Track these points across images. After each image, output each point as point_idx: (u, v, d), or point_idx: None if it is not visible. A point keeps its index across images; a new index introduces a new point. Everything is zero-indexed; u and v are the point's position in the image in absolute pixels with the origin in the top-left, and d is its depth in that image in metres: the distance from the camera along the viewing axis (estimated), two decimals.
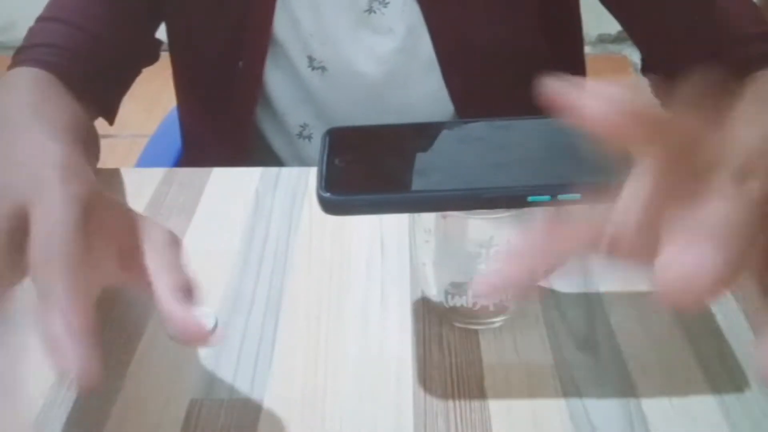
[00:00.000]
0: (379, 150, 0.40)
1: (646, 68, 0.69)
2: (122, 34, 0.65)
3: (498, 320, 0.45)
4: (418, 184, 0.37)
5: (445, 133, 0.41)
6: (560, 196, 0.36)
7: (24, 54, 0.59)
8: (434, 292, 0.44)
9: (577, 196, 0.36)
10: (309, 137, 0.72)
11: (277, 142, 0.74)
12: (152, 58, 0.71)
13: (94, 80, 0.61)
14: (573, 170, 0.38)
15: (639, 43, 0.68)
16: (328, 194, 0.36)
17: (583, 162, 0.38)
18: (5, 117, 0.48)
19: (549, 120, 0.42)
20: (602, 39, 2.12)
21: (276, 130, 0.74)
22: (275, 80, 0.70)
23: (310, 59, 0.68)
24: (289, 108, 0.71)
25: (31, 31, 0.62)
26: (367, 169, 0.39)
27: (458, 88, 0.69)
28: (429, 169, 0.38)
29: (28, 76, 0.57)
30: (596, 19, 0.77)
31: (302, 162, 0.74)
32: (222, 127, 0.74)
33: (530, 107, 0.69)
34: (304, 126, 0.72)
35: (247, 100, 0.71)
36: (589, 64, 0.83)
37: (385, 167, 0.39)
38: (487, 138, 0.40)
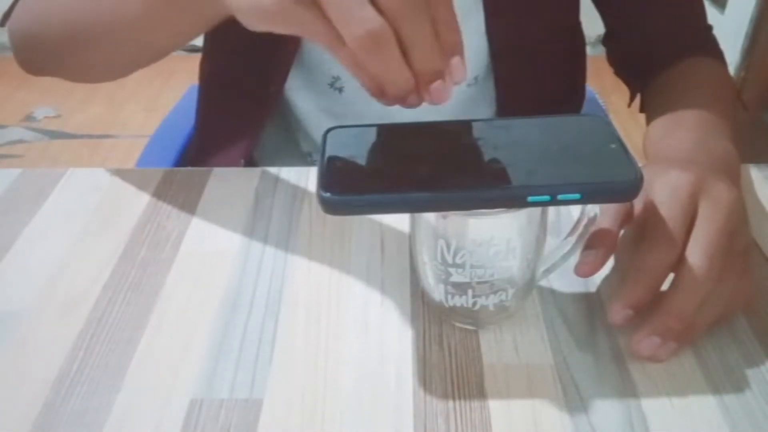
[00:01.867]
0: (380, 150, 0.40)
1: (606, 40, 0.77)
2: None
3: (498, 320, 0.45)
4: (418, 184, 0.37)
5: (445, 133, 0.41)
6: (560, 196, 0.36)
7: None
8: (434, 292, 0.44)
9: (577, 195, 0.37)
10: (340, 89, 0.72)
11: (306, 98, 0.74)
12: None
13: None
14: (573, 170, 0.38)
15: (604, 16, 0.76)
16: (328, 194, 0.36)
17: (582, 162, 0.38)
18: None
19: (549, 120, 0.42)
20: (601, 40, 2.12)
21: (306, 83, 0.74)
22: None
23: None
24: (325, 59, 0.72)
25: None
26: (368, 169, 0.39)
27: (497, 34, 0.70)
28: (429, 169, 0.38)
29: None
30: (596, 19, 0.77)
31: (329, 113, 0.74)
32: (256, 78, 0.74)
33: (552, 71, 0.75)
34: (336, 78, 0.72)
35: (289, 49, 0.70)
36: (589, 65, 0.83)
37: (386, 167, 0.39)
38: (487, 138, 0.40)
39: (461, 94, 0.73)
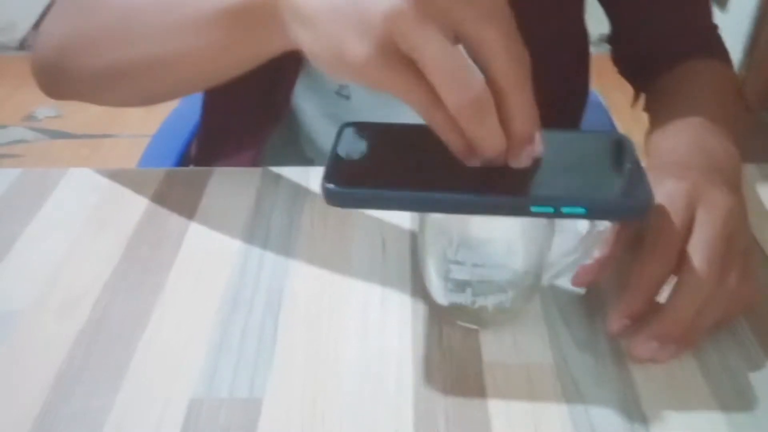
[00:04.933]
0: (390, 148, 0.41)
1: (611, 40, 0.77)
2: None
3: (498, 321, 0.45)
4: (421, 183, 0.37)
5: None
6: (564, 209, 0.36)
7: None
8: (435, 288, 0.44)
9: (582, 210, 0.36)
10: (347, 96, 0.72)
11: (311, 104, 0.74)
12: None
13: None
14: (582, 184, 0.37)
15: (610, 16, 0.76)
16: (331, 185, 0.37)
17: (594, 178, 0.38)
18: None
19: (570, 134, 0.42)
20: (604, 39, 2.12)
21: (313, 89, 0.73)
22: None
23: None
24: None
25: None
26: (375, 165, 0.39)
27: None
28: (436, 170, 0.38)
29: None
30: (597, 19, 0.77)
31: (335, 120, 0.74)
32: (263, 85, 0.72)
33: (565, 74, 0.75)
34: (343, 86, 0.72)
35: (295, 57, 0.69)
36: (592, 63, 0.82)
37: (392, 165, 0.39)
38: None
39: None
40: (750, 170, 0.61)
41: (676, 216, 0.42)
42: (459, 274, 0.42)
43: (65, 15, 0.57)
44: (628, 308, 0.42)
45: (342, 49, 0.35)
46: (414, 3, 0.34)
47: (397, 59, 0.35)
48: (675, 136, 0.55)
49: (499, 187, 0.37)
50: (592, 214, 0.37)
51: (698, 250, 0.41)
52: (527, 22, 0.69)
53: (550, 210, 0.36)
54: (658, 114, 0.63)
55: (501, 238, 0.40)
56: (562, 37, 0.75)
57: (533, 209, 0.36)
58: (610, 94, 1.06)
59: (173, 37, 0.49)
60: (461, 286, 0.42)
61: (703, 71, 0.69)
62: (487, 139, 0.36)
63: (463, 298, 0.43)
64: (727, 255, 0.41)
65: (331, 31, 0.36)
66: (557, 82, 0.76)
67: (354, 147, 0.40)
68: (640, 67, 0.75)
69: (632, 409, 0.39)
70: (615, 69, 0.79)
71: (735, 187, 0.48)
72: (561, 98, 0.78)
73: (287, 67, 0.70)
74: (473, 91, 0.34)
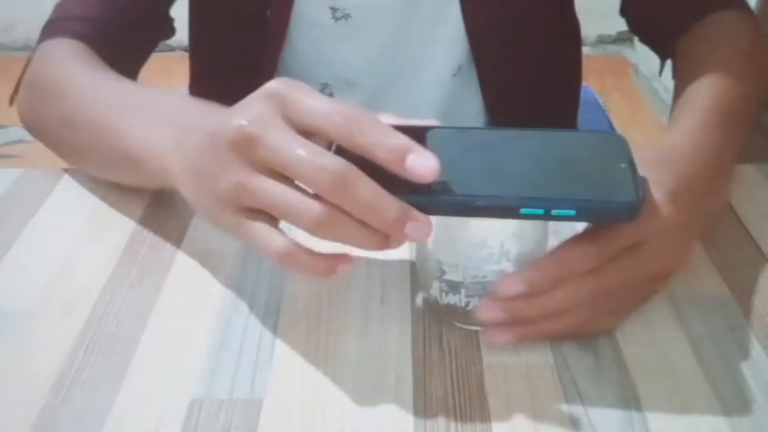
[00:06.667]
0: None
1: (625, 10, 0.75)
2: (141, 8, 0.67)
3: None
4: (411, 187, 0.37)
5: (449, 140, 0.41)
6: (554, 211, 0.36)
7: (57, 26, 0.63)
8: (430, 288, 0.44)
9: (572, 212, 0.36)
10: (330, 96, 0.73)
11: None
12: (168, 33, 0.73)
13: (118, 49, 0.65)
14: (573, 186, 0.37)
15: None
16: None
17: (586, 179, 0.38)
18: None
19: (565, 134, 0.42)
20: (602, 40, 2.11)
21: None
22: (298, 39, 0.71)
23: (333, 10, 0.69)
24: (310, 67, 0.72)
25: (57, 5, 0.65)
26: (365, 170, 0.39)
27: (474, 20, 0.70)
28: None
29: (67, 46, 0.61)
30: (596, 19, 0.77)
31: None
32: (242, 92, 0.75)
33: (539, 60, 0.75)
34: (325, 85, 0.72)
35: (271, 60, 0.71)
36: (589, 65, 0.83)
37: (382, 170, 0.39)
38: (490, 147, 0.40)
39: (447, 84, 0.73)
40: (750, 170, 0.61)
41: (625, 237, 0.40)
42: (452, 275, 0.42)
43: (31, 93, 0.61)
44: (521, 277, 0.39)
45: (211, 219, 0.43)
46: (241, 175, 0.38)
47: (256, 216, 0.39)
48: (672, 135, 0.52)
49: (490, 190, 0.37)
50: (582, 216, 0.37)
51: (607, 280, 0.40)
52: (500, 7, 0.69)
53: (540, 212, 0.36)
54: (681, 82, 0.59)
55: (492, 239, 0.40)
56: (542, 24, 0.74)
57: (523, 211, 0.36)
58: (609, 95, 1.07)
59: (88, 154, 0.56)
60: (455, 287, 0.42)
61: (723, 27, 0.65)
62: (350, 242, 0.38)
63: (457, 299, 0.43)
64: (614, 293, 0.41)
65: (199, 202, 0.43)
66: (540, 72, 0.76)
67: (344, 153, 0.40)
68: (659, 29, 0.72)
69: (632, 409, 0.39)
70: (611, 70, 0.78)
71: (714, 196, 0.46)
72: (547, 89, 0.77)
73: (263, 64, 0.71)
74: (312, 212, 0.37)
